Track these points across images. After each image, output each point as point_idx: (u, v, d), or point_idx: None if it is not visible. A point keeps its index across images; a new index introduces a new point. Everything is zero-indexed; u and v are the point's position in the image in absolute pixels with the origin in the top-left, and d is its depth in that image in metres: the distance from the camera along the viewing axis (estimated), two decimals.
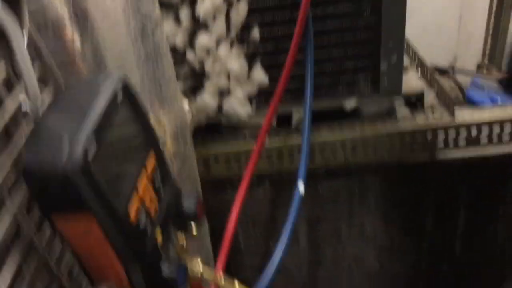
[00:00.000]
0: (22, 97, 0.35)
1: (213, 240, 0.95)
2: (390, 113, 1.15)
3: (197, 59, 0.94)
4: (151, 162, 0.43)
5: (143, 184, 0.41)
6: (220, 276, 0.50)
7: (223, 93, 0.99)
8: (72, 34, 0.52)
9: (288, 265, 1.27)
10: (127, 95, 0.40)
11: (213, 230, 0.99)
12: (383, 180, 1.12)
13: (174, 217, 0.48)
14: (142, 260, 0.41)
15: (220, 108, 1.00)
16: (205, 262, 0.89)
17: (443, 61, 2.06)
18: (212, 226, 1.04)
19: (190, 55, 0.94)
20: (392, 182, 1.12)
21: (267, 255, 1.24)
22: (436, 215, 1.18)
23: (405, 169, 1.10)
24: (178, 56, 0.94)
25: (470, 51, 2.01)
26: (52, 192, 0.34)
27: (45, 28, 0.50)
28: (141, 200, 0.41)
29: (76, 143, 0.33)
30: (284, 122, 1.21)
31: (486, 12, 1.82)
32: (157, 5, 0.67)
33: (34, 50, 0.43)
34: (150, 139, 0.43)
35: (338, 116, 1.07)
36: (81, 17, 0.52)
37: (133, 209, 0.39)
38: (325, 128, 1.03)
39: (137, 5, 0.58)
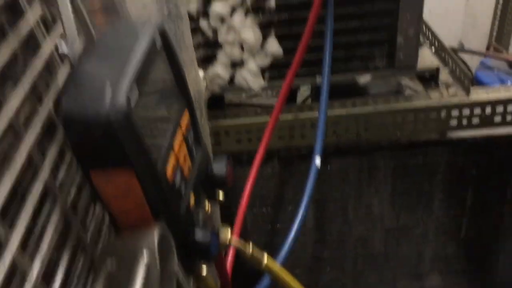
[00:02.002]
0: (59, 37, 0.32)
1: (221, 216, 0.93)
2: (398, 91, 1.13)
3: (211, 28, 0.91)
4: (185, 120, 0.41)
5: (179, 141, 0.39)
6: (250, 245, 0.48)
7: (235, 64, 0.96)
8: None
9: (294, 245, 1.25)
10: (165, 43, 0.37)
11: (221, 205, 0.97)
12: (393, 159, 1.10)
13: (204, 182, 0.45)
14: (176, 222, 0.38)
15: (232, 79, 0.98)
16: None
17: (449, 44, 2.03)
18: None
19: (203, 24, 0.91)
20: (402, 161, 1.11)
21: (272, 233, 1.23)
22: (444, 197, 1.17)
23: (415, 148, 1.09)
24: (192, 24, 0.91)
25: (476, 34, 1.99)
26: (93, 142, 0.31)
27: None
28: (177, 158, 0.38)
29: (119, 89, 0.30)
30: (291, 97, 1.19)
31: None
32: None
33: None
34: (184, 95, 0.41)
35: (346, 94, 1.04)
36: None
37: (170, 167, 0.37)
38: (337, 104, 1.01)
39: None
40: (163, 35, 0.37)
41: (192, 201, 0.41)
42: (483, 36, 1.89)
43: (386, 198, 1.17)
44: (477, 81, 1.36)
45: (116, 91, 0.30)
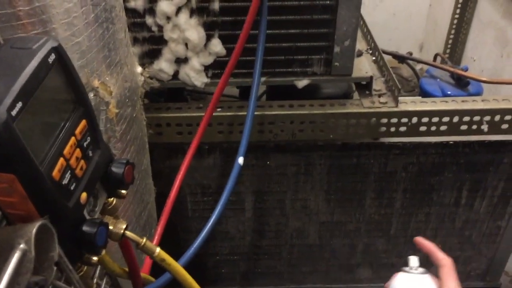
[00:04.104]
0: None
1: (160, 203, 0.98)
2: (347, 95, 1.20)
3: (157, 25, 0.95)
4: (80, 128, 0.46)
5: (70, 146, 0.44)
6: (143, 239, 0.54)
7: (179, 61, 1.01)
8: None
9: (233, 233, 1.32)
10: (60, 58, 0.42)
11: (160, 194, 1.02)
12: (328, 159, 1.17)
13: (104, 180, 0.51)
14: (64, 216, 0.44)
15: (176, 74, 1.02)
16: (146, 224, 0.93)
17: (410, 47, 2.12)
18: (159, 190, 1.08)
19: (149, 20, 0.95)
20: (337, 161, 1.18)
21: None
22: (376, 196, 1.25)
23: (350, 149, 1.16)
24: (138, 19, 0.95)
25: (436, 38, 2.07)
26: None
27: None
28: (67, 159, 0.43)
29: (1, 99, 0.36)
30: (247, 93, 1.24)
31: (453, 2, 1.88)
32: None
33: None
34: (82, 105, 0.46)
35: (298, 93, 1.10)
36: None
37: (57, 169, 0.42)
38: (276, 104, 1.07)
39: None
40: (58, 50, 0.42)
41: (83, 197, 0.46)
42: (442, 41, 1.97)
43: (322, 194, 1.24)
44: (421, 88, 1.43)
45: None
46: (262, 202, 1.26)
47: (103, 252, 0.53)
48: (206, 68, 1.02)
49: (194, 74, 1.01)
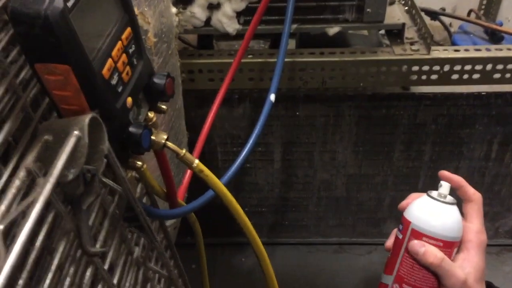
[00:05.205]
0: None
1: (191, 152, 1.00)
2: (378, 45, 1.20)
3: None
4: (126, 35, 0.48)
5: (118, 50, 0.46)
6: (183, 150, 0.56)
7: (212, 7, 1.02)
8: None
9: (262, 184, 1.35)
10: None
11: (192, 142, 1.05)
12: (357, 109, 1.18)
13: (146, 92, 0.53)
14: (113, 115, 0.46)
15: (208, 21, 1.04)
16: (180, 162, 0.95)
17: (444, 5, 2.07)
18: (190, 138, 1.10)
19: None
20: (366, 112, 1.18)
21: (242, 172, 1.32)
22: (404, 149, 1.25)
23: (379, 100, 1.16)
24: None
25: (469, 1, 2.02)
26: (35, 38, 0.39)
27: None
28: (114, 62, 0.46)
29: None
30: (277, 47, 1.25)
31: None
32: None
33: None
34: (128, 14, 0.48)
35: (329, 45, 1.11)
36: None
37: (106, 68, 0.45)
38: (306, 52, 1.08)
39: None
40: None
41: (129, 101, 0.49)
42: (476, 1, 1.93)
43: (350, 146, 1.25)
44: (453, 43, 1.41)
45: None
46: (290, 153, 1.27)
47: (145, 166, 0.56)
48: (238, 14, 1.03)
49: (226, 20, 1.03)
